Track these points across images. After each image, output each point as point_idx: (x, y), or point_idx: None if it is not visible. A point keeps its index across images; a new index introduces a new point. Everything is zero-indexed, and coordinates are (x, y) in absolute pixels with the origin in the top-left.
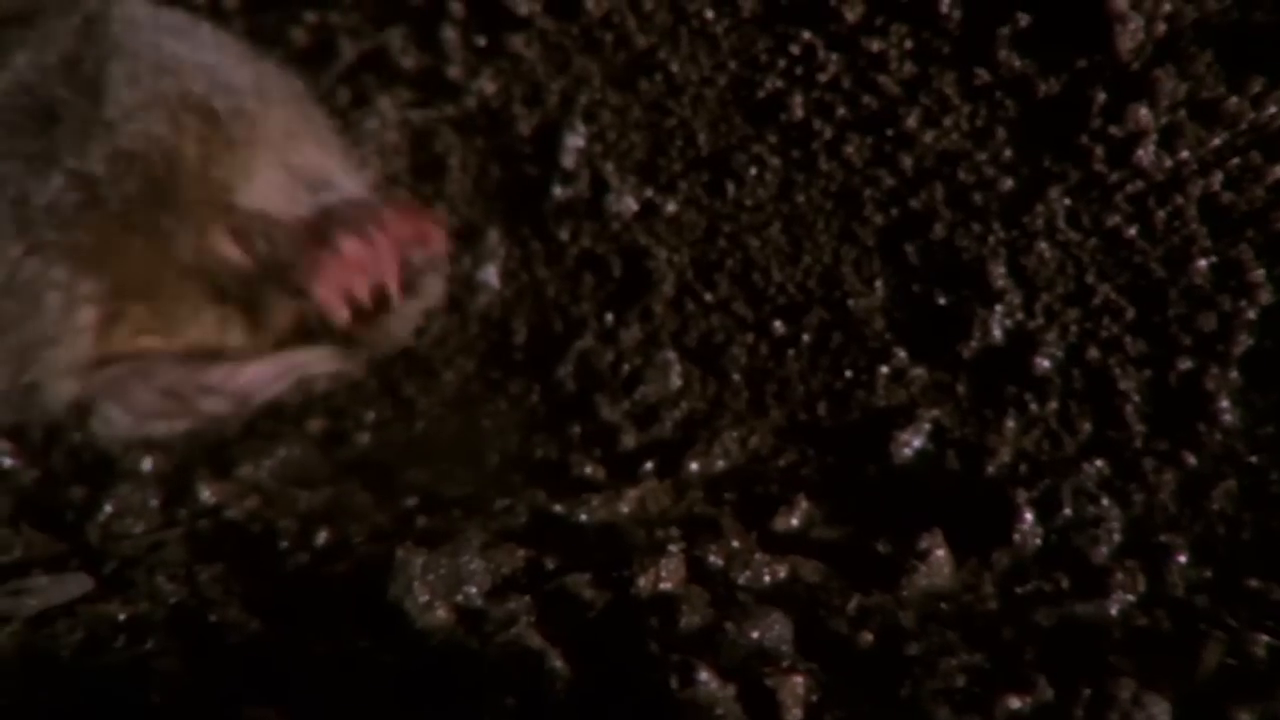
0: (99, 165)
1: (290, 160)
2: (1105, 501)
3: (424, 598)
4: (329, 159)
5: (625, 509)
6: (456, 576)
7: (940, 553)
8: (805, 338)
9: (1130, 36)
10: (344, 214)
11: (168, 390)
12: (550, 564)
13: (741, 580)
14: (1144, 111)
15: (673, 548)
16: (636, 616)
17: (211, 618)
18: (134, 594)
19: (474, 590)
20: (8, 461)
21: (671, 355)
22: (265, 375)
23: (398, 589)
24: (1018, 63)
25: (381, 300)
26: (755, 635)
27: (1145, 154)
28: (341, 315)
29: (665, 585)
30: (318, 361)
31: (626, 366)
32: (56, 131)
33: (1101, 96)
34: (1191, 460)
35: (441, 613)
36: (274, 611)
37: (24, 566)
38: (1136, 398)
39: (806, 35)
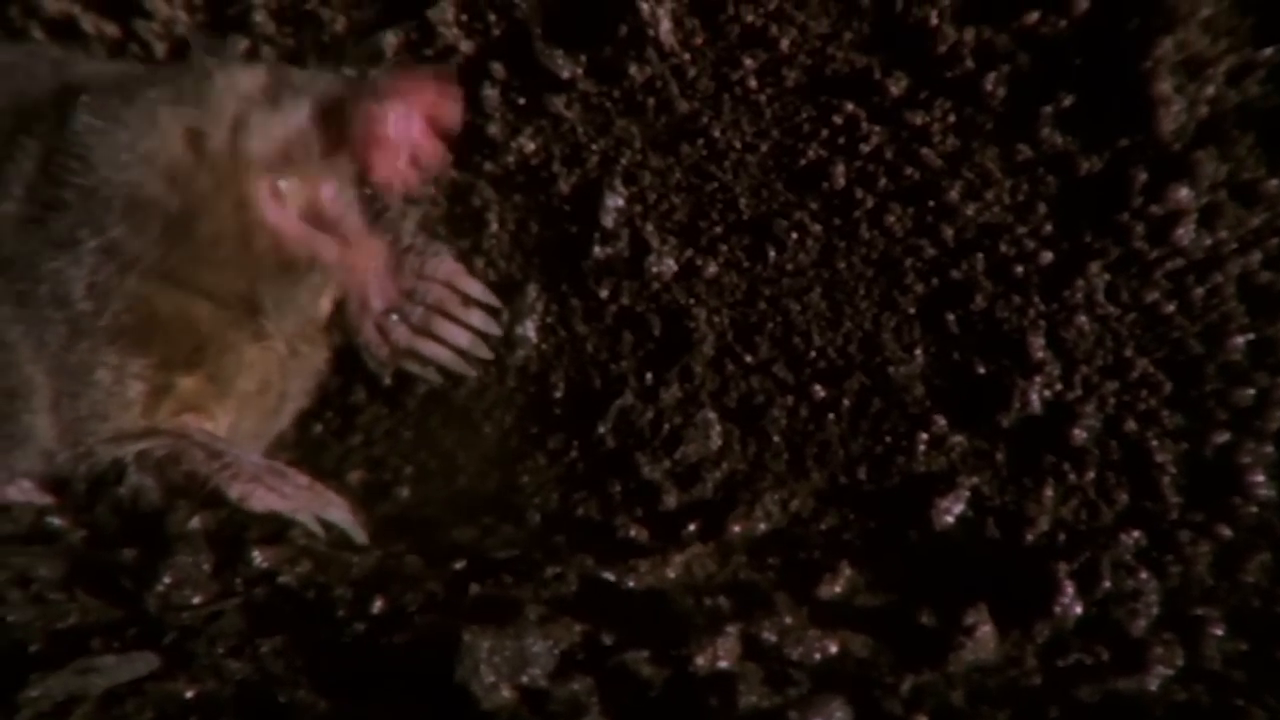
0: (117, 229)
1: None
2: (1143, 574)
3: (490, 679)
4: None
5: (672, 574)
6: (521, 658)
7: (986, 629)
8: (845, 402)
9: (1173, 118)
10: (369, 89)
11: (191, 477)
12: (607, 639)
13: (795, 656)
14: (1184, 191)
15: (729, 628)
16: (697, 697)
17: (280, 698)
18: (199, 670)
19: (538, 671)
20: (56, 521)
21: (711, 415)
22: (275, 504)
23: (464, 671)
24: (1060, 140)
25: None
26: None
27: (1185, 232)
28: (398, 190)
29: (722, 663)
30: (335, 509)
31: (667, 425)
32: (69, 216)
33: (1143, 175)
34: (1227, 532)
35: (506, 693)
36: (340, 689)
37: (83, 635)
38: (1173, 470)
39: (850, 107)
